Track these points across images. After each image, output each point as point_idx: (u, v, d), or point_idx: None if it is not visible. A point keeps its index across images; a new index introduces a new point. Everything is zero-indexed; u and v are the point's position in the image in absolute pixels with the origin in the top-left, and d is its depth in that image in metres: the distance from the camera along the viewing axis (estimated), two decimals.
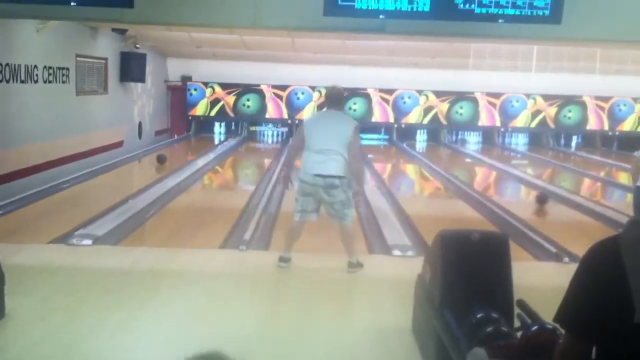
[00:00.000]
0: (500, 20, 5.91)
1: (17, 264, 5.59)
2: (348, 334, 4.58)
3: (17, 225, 7.79)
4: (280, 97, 19.89)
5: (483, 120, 20.29)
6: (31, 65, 9.87)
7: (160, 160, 13.63)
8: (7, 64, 9.10)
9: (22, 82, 9.59)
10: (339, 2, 5.93)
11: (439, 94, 19.96)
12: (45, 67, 10.38)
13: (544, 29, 6.07)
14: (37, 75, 10.08)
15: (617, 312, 1.80)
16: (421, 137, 20.67)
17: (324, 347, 4.35)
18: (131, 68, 14.77)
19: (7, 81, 9.15)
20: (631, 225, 1.87)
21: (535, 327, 2.89)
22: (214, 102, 19.90)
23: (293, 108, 19.87)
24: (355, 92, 19.69)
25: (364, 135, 19.98)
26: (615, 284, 1.79)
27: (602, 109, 20.23)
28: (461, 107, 20.12)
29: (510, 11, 5.88)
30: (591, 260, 1.90)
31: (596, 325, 1.84)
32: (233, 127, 20.53)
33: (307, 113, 19.74)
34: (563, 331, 1.99)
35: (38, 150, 10.27)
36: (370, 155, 17.17)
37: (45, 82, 10.42)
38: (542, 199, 10.04)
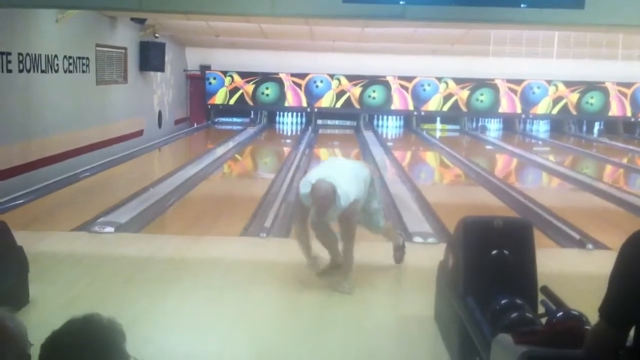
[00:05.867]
0: (522, 5, 5.83)
1: (40, 252, 5.65)
2: (369, 321, 4.57)
3: (40, 214, 7.86)
4: (299, 86, 19.86)
5: (504, 107, 20.09)
6: (51, 55, 9.91)
7: None
8: (27, 54, 9.15)
9: (42, 72, 9.64)
10: None
11: (458, 81, 19.81)
12: (65, 56, 10.43)
13: (567, 14, 5.97)
14: (57, 65, 10.13)
15: None
16: (441, 125, 20.54)
17: (345, 334, 4.34)
18: (150, 57, 14.81)
19: (28, 71, 9.21)
20: None
21: (561, 314, 2.86)
22: (232, 91, 19.92)
23: (312, 96, 19.84)
24: (374, 80, 19.63)
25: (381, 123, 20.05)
26: None
27: (625, 95, 19.95)
28: (482, 94, 19.94)
29: None
30: (630, 249, 1.87)
31: (636, 314, 1.81)
32: (252, 116, 20.54)
33: (326, 101, 19.74)
34: (589, 318, 1.96)
35: (59, 140, 10.34)
36: (389, 144, 17.13)
37: (65, 71, 10.47)
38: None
